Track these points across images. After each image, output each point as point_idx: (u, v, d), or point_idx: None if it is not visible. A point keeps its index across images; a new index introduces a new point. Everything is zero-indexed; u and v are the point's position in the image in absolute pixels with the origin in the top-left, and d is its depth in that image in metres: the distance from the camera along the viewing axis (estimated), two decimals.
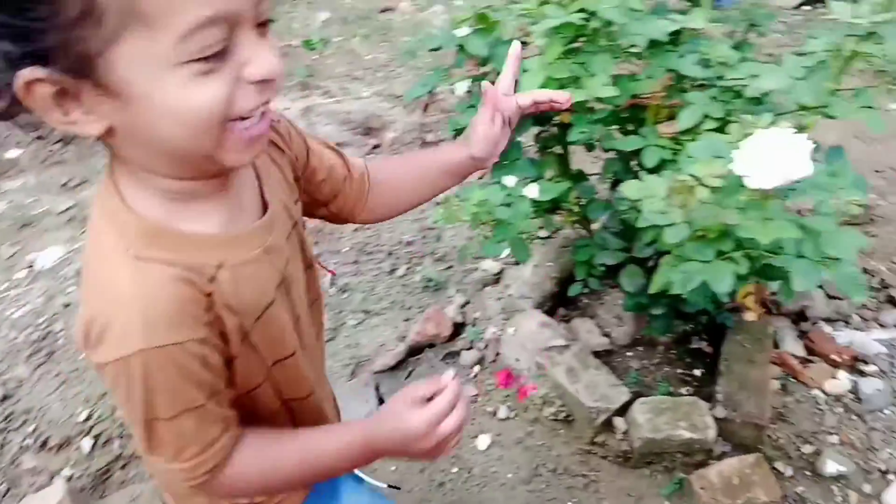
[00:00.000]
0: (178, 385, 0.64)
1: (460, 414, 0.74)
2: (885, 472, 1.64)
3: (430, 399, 0.74)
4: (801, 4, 3.52)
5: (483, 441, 1.71)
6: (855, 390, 1.78)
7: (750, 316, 1.22)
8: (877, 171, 2.54)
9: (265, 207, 0.74)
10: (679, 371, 1.80)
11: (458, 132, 1.52)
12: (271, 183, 0.77)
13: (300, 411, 0.84)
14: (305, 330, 0.82)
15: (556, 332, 1.74)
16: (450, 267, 2.08)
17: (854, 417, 1.74)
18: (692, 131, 1.23)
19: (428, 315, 1.90)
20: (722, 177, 0.89)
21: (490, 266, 2.04)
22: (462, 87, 1.38)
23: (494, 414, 1.74)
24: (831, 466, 1.62)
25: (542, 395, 1.68)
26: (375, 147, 2.45)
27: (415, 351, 1.89)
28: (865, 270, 2.12)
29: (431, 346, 1.88)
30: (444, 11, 3.60)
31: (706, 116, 1.21)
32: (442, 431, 0.73)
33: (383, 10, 3.76)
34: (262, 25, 0.59)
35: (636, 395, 1.64)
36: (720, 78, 1.27)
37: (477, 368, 1.82)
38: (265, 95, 0.60)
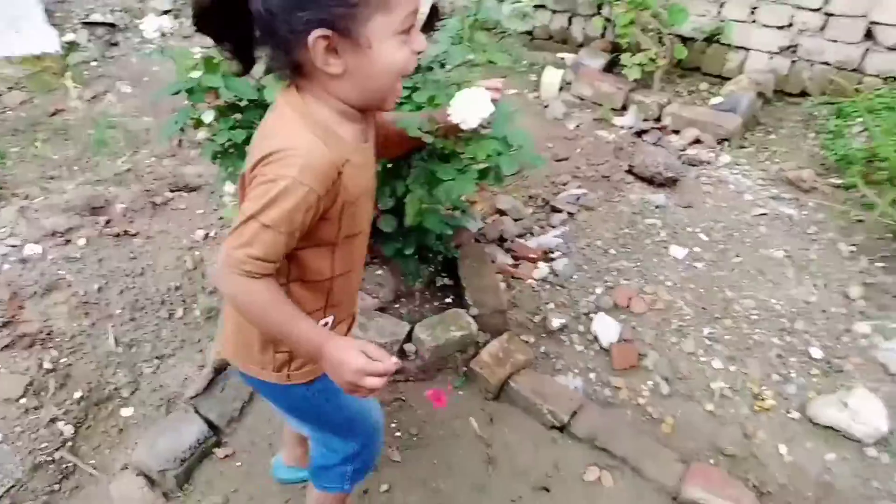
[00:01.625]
0: (287, 210, 0.94)
1: (380, 382, 0.99)
2: (587, 314, 2.32)
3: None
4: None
5: None
6: (552, 271, 2.46)
7: (476, 209, 1.74)
8: None
9: (366, 140, 1.10)
10: (437, 303, 2.29)
11: (215, 155, 1.83)
12: (372, 134, 1.14)
13: (339, 285, 1.14)
14: (366, 229, 1.17)
15: None
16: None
17: (558, 287, 2.41)
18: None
19: None
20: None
21: None
22: (209, 116, 1.69)
23: None
24: (555, 323, 2.25)
25: None
26: (108, 222, 2.54)
27: (220, 369, 2.08)
28: (531, 197, 2.88)
29: None
30: (119, 100, 3.74)
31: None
32: (364, 381, 0.98)
33: (53, 114, 3.73)
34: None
35: (413, 327, 2.08)
36: None
37: None
38: (415, 61, 1.00)
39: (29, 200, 2.81)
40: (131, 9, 4.47)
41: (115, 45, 4.26)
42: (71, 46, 4.05)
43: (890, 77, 3.40)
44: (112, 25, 4.26)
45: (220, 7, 0.94)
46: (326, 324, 1.18)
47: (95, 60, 4.03)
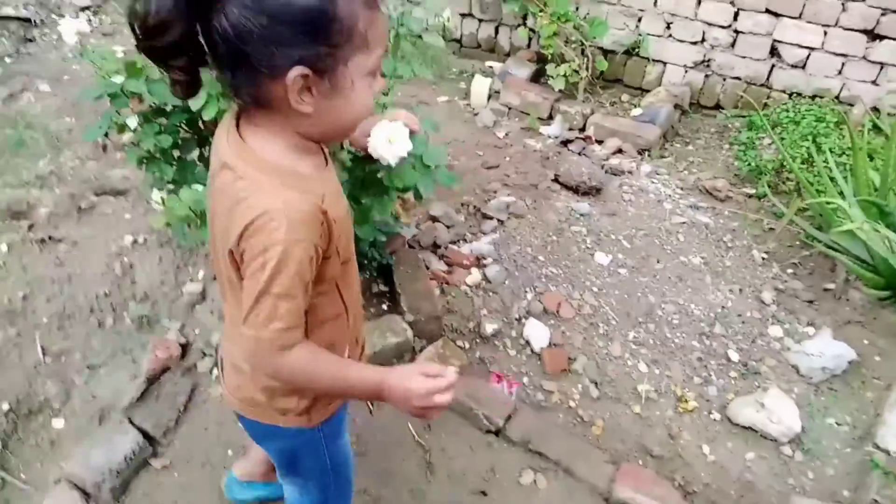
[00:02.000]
0: (293, 273, 0.91)
1: (449, 396, 0.98)
2: (519, 319, 2.37)
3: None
4: None
5: None
6: (485, 277, 2.49)
7: (404, 218, 1.75)
8: (447, 143, 3.42)
9: (326, 164, 1.05)
10: (373, 310, 2.28)
11: (140, 160, 1.75)
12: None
13: (352, 311, 1.14)
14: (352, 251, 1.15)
15: None
16: (154, 301, 2.21)
17: (491, 294, 2.44)
18: None
19: (154, 345, 2.03)
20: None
21: (193, 287, 2.24)
22: (133, 122, 1.62)
23: None
24: (489, 328, 2.28)
25: None
26: (31, 227, 2.39)
27: (154, 378, 2.00)
28: (463, 204, 2.91)
29: (168, 369, 2.01)
30: (37, 100, 3.52)
31: None
32: (433, 401, 0.97)
33: None
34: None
35: None
36: None
37: (216, 370, 2.03)
38: None
39: None
40: (48, 2, 4.21)
41: (31, 41, 3.99)
42: None
43: (794, 92, 3.64)
44: (27, 20, 3.99)
45: (171, 29, 0.83)
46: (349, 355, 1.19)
47: (10, 57, 3.77)
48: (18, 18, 3.97)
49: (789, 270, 2.74)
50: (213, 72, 0.90)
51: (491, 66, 4.19)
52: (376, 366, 1.05)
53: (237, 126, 0.96)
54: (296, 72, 0.85)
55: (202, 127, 1.77)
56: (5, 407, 1.88)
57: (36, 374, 1.97)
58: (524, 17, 4.09)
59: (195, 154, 1.79)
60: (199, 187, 1.56)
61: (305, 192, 0.93)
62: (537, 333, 2.29)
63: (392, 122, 1.29)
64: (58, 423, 1.90)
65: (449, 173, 1.68)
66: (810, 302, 2.57)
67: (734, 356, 2.33)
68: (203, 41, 0.86)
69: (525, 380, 2.19)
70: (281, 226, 0.89)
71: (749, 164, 3.27)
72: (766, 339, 2.41)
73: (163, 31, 0.82)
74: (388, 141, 1.27)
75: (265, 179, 0.92)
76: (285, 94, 0.87)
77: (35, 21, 4.02)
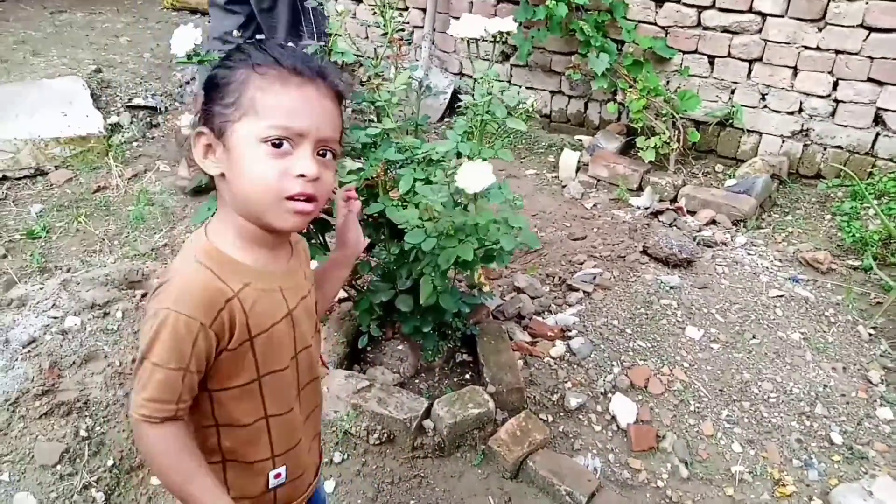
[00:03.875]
0: (170, 344, 0.89)
1: None
2: (605, 393, 2.35)
3: None
4: (442, 118, 4.62)
5: (329, 486, 2.02)
6: (569, 349, 2.50)
7: (485, 289, 1.82)
8: (533, 215, 3.50)
9: (286, 266, 1.06)
10: (456, 379, 2.35)
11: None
12: (300, 259, 1.11)
13: (278, 428, 1.05)
14: (304, 369, 1.08)
15: (359, 378, 2.17)
16: None
17: (575, 366, 2.44)
18: (411, 191, 1.83)
19: None
20: (444, 197, 1.49)
21: None
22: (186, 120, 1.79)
23: (331, 461, 2.07)
24: (573, 402, 2.28)
25: (364, 427, 2.07)
26: (144, 295, 2.65)
27: None
28: (548, 275, 2.95)
29: None
30: (157, 178, 3.94)
31: (415, 179, 1.83)
32: None
33: (96, 190, 3.94)
34: (323, 155, 0.96)
35: (432, 403, 2.12)
36: (413, 156, 1.91)
37: None
38: (307, 188, 0.93)
39: (71, 273, 2.95)
40: (171, 93, 4.76)
41: (156, 126, 4.52)
42: (114, 128, 4.30)
43: None
44: (153, 108, 4.53)
45: None
46: (279, 475, 1.09)
47: (136, 141, 4.26)
48: (146, 107, 4.52)
49: None
50: None
51: (580, 140, 4.28)
52: (223, 497, 0.95)
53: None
54: (196, 129, 0.95)
55: None
56: (110, 462, 2.03)
57: None
58: (614, 93, 4.17)
59: None
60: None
61: (219, 275, 0.94)
62: (624, 408, 2.26)
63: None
64: (155, 479, 2.03)
65: (531, 235, 1.75)
66: None
67: (837, 439, 2.19)
68: None
69: (610, 457, 2.15)
70: (171, 294, 0.91)
71: (853, 235, 3.13)
72: (875, 422, 2.26)
73: None
74: (472, 177, 1.44)
75: (188, 251, 0.97)
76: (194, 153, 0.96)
77: (160, 108, 4.55)
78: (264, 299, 0.98)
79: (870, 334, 2.65)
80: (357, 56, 1.97)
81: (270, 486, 1.09)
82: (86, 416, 2.12)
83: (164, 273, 0.97)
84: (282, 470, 1.09)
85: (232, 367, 0.97)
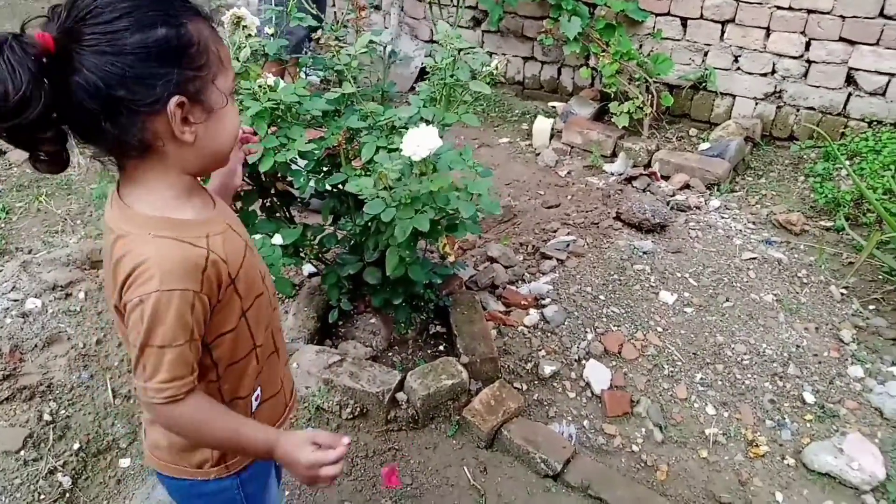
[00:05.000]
0: (172, 323, 0.89)
1: (337, 468, 1.00)
2: (579, 360, 2.34)
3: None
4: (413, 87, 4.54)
5: None
6: (543, 318, 2.48)
7: (451, 258, 1.78)
8: (507, 184, 3.45)
9: (214, 204, 1.05)
10: (429, 351, 2.32)
11: None
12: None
13: (262, 350, 1.09)
14: (269, 284, 1.13)
15: (330, 353, 2.13)
16: None
17: (549, 334, 2.43)
18: (372, 160, 1.78)
19: None
20: (400, 165, 1.44)
21: None
22: None
23: None
24: (547, 370, 2.26)
25: (337, 402, 2.04)
26: None
27: None
28: (521, 244, 2.92)
29: None
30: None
31: (378, 147, 1.77)
32: (318, 473, 0.99)
33: None
34: None
35: (405, 375, 2.10)
36: (376, 123, 1.85)
37: None
38: None
39: (31, 255, 2.86)
40: None
41: None
42: None
43: (874, 121, 3.47)
44: None
45: (34, 101, 0.81)
46: (257, 396, 1.14)
47: None
48: None
49: (871, 307, 2.58)
50: (84, 147, 0.92)
51: (553, 107, 4.23)
52: (270, 428, 1.05)
53: (119, 193, 0.97)
54: (174, 101, 0.87)
55: (263, 178, 1.89)
56: (76, 446, 1.98)
57: (106, 415, 2.09)
58: (586, 58, 4.12)
59: (257, 205, 1.90)
60: (258, 236, 1.65)
61: (183, 239, 0.93)
62: (598, 375, 2.25)
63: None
64: (124, 462, 2.00)
65: (490, 200, 1.70)
66: (894, 340, 2.41)
67: (810, 398, 2.21)
68: (62, 112, 0.86)
69: (585, 423, 2.15)
70: (154, 276, 0.89)
71: (826, 197, 3.13)
72: (846, 380, 2.27)
73: (26, 107, 0.81)
74: (417, 145, 1.40)
75: (142, 232, 0.92)
76: (167, 127, 0.89)
77: None
78: (227, 241, 0.99)
79: (842, 294, 2.66)
80: (317, 19, 1.89)
81: (253, 410, 1.13)
82: (49, 399, 2.06)
83: (120, 264, 0.91)
84: (259, 392, 1.14)
85: (223, 315, 0.99)
